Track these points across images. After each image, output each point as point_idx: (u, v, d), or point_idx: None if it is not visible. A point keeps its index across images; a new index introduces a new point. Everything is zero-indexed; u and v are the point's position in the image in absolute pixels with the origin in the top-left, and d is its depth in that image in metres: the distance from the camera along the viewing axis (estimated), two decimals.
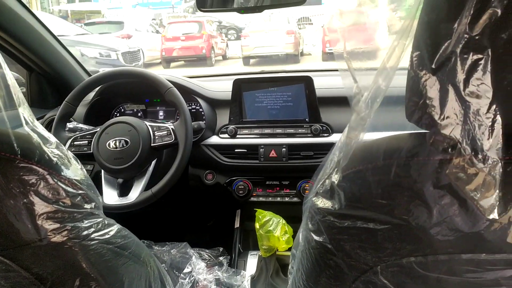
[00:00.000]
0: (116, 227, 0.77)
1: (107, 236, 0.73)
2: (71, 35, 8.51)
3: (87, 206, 0.70)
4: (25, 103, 0.68)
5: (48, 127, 1.72)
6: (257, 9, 1.34)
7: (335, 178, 0.59)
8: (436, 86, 0.48)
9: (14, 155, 0.63)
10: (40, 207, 0.63)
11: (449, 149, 0.48)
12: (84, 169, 0.75)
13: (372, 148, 0.56)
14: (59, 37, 1.74)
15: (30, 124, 0.67)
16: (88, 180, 0.74)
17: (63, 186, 0.66)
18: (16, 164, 0.63)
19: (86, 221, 0.69)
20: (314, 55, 13.98)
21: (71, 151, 1.46)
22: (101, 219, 0.73)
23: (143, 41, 12.39)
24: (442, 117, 0.48)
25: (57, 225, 0.65)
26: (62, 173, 0.67)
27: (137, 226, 1.82)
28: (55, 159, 0.67)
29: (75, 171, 0.71)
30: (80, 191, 0.69)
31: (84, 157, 1.51)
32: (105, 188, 1.47)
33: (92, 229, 0.70)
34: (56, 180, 0.65)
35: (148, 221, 1.87)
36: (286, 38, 12.33)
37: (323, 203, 0.61)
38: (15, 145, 0.63)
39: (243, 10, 1.36)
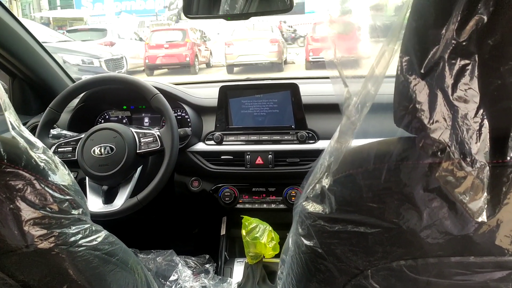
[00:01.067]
0: (103, 233, 0.76)
1: (94, 243, 0.72)
2: (53, 42, 8.40)
3: (74, 212, 0.69)
4: (11, 108, 0.67)
5: (31, 133, 1.69)
6: (244, 16, 1.34)
7: (326, 182, 0.59)
8: (425, 91, 0.49)
9: (1, 160, 0.62)
10: (27, 212, 0.62)
11: (438, 153, 0.49)
12: (71, 175, 0.74)
13: (362, 152, 0.57)
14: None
15: (16, 129, 0.66)
16: (75, 186, 0.73)
17: (50, 191, 0.66)
18: (2, 169, 0.62)
19: (73, 227, 0.68)
20: (297, 64, 14.10)
21: None
22: (88, 225, 0.72)
23: (126, 49, 12.34)
24: (431, 121, 0.49)
25: (44, 231, 0.64)
26: (49, 179, 0.66)
27: (121, 234, 1.80)
28: (42, 164, 0.66)
29: (62, 176, 0.70)
30: (68, 197, 0.68)
31: (68, 164, 1.49)
32: (90, 196, 1.45)
33: (80, 235, 0.69)
34: (43, 186, 0.65)
35: (133, 228, 1.85)
36: (270, 47, 12.40)
37: (313, 207, 0.61)
38: (1, 150, 0.62)
39: (230, 17, 1.37)
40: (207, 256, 1.57)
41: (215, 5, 1.36)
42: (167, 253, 1.52)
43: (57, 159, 0.72)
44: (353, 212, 0.56)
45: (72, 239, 0.67)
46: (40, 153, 0.68)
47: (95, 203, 1.43)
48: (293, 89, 1.58)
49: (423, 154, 0.50)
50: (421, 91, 0.49)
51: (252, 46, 12.37)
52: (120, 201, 1.41)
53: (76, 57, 8.46)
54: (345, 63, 0.59)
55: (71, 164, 1.48)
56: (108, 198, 1.45)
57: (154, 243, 1.70)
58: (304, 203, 0.64)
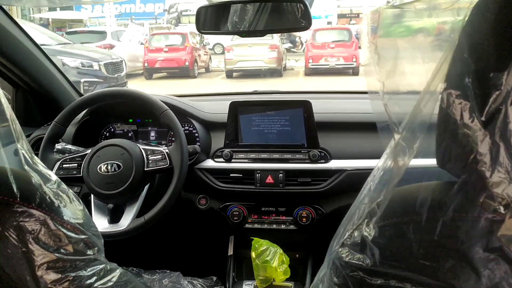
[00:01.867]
0: (118, 272, 0.71)
1: (109, 284, 0.67)
2: (53, 44, 8.34)
3: (89, 252, 0.65)
4: (23, 136, 0.62)
5: (34, 146, 1.65)
6: (259, 33, 1.31)
7: (367, 231, 0.55)
8: (486, 141, 0.45)
9: (13, 198, 0.57)
10: (40, 256, 0.58)
11: (501, 209, 0.45)
12: (86, 210, 0.69)
13: (413, 198, 0.52)
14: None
15: (29, 161, 0.62)
16: (90, 221, 0.68)
17: (65, 231, 0.61)
18: (15, 208, 0.57)
19: (88, 269, 0.64)
20: (296, 70, 14.11)
21: (59, 174, 1.41)
22: (103, 265, 0.67)
23: (125, 52, 12.31)
24: (493, 174, 0.45)
25: (59, 276, 0.59)
26: (64, 217, 0.62)
27: (125, 252, 1.75)
28: (56, 201, 0.62)
29: (77, 212, 0.65)
30: (83, 236, 0.64)
31: (72, 180, 1.45)
32: (95, 214, 1.40)
33: (95, 277, 0.65)
34: (57, 225, 0.60)
35: (137, 246, 1.80)
36: (269, 53, 12.41)
37: (351, 256, 0.57)
38: (14, 187, 0.58)
39: (244, 34, 1.33)
40: (215, 278, 1.52)
41: (222, 18, 1.32)
42: (173, 275, 1.47)
43: (71, 192, 0.67)
44: (400, 267, 0.51)
45: (88, 282, 0.63)
46: (55, 187, 0.63)
47: (100, 222, 1.38)
48: (305, 106, 1.53)
49: (483, 209, 0.46)
50: (482, 141, 0.45)
51: (252, 52, 12.37)
52: (127, 220, 1.36)
53: (75, 60, 8.40)
54: (390, 80, 0.53)
55: (76, 180, 1.43)
56: (114, 217, 1.40)
57: (158, 262, 1.65)
58: (340, 250, 0.59)
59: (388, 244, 0.52)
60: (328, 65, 12.40)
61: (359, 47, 13.37)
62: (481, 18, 0.46)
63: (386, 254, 0.52)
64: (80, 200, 0.68)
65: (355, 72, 12.40)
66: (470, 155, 0.46)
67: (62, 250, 0.60)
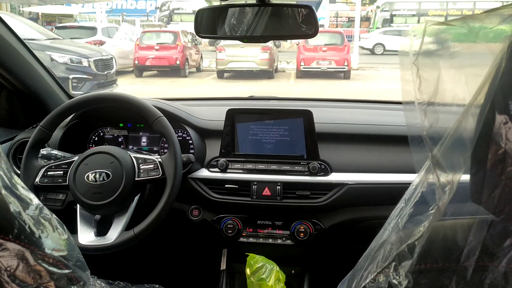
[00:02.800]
0: None
1: None
2: (41, 39, 8.16)
3: None
4: (1, 154, 0.55)
5: (18, 150, 1.56)
6: (262, 39, 1.24)
7: (396, 278, 0.47)
8: None
9: None
10: None
11: None
12: (71, 238, 0.61)
13: (457, 242, 0.44)
14: (28, 41, 1.59)
15: (7, 183, 0.54)
16: (74, 251, 0.60)
17: (46, 266, 0.53)
18: None
19: None
20: (288, 72, 14.08)
21: (44, 182, 1.32)
22: None
23: (115, 49, 12.16)
24: None
25: None
26: (46, 250, 0.54)
27: (111, 264, 1.67)
28: (38, 231, 0.54)
29: (60, 242, 0.57)
30: (66, 270, 0.56)
31: (57, 188, 1.36)
32: (80, 225, 1.32)
33: None
34: (38, 260, 0.52)
35: (124, 258, 1.72)
36: (261, 54, 12.35)
37: None
38: None
39: (246, 39, 1.26)
40: None
41: (219, 21, 1.25)
42: None
43: (54, 218, 0.59)
44: None
45: None
46: (36, 214, 0.55)
47: (86, 235, 1.30)
48: (306, 116, 1.47)
49: None
50: None
51: (244, 53, 12.30)
52: (114, 233, 1.28)
53: (64, 56, 8.22)
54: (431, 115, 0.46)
55: (61, 188, 1.35)
56: (101, 229, 1.32)
57: (147, 275, 1.57)
58: None
59: None
60: (319, 68, 12.41)
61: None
62: None
63: None
64: (65, 227, 0.60)
65: (346, 76, 12.43)
66: None
67: None
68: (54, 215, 0.59)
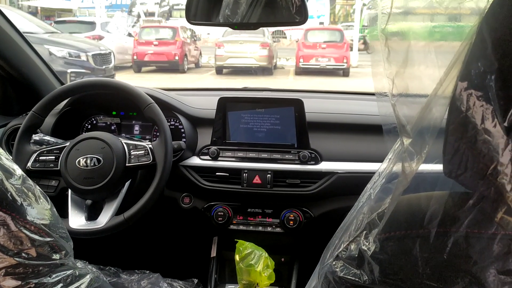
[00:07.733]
0: (88, 278, 0.65)
1: None
2: (40, 32, 8.16)
3: (55, 256, 0.58)
4: None
5: (11, 137, 1.57)
6: (252, 26, 1.24)
7: (366, 244, 0.49)
8: (509, 149, 0.39)
9: None
10: None
11: None
12: (54, 209, 0.62)
13: (421, 209, 0.46)
14: (26, 35, 1.60)
15: None
16: (58, 222, 0.61)
17: (28, 233, 0.54)
18: None
19: (53, 275, 0.57)
20: (287, 69, 14.08)
21: (36, 167, 1.33)
22: (71, 270, 0.61)
23: (114, 44, 12.15)
24: None
25: (18, 283, 0.53)
26: (28, 217, 0.55)
27: (102, 250, 1.68)
28: (20, 199, 0.55)
29: (43, 212, 0.59)
30: (48, 239, 0.57)
31: (49, 173, 1.38)
32: (71, 210, 1.33)
33: (61, 284, 0.58)
34: (19, 226, 0.53)
35: (115, 245, 1.73)
36: (261, 51, 12.35)
37: (346, 271, 0.51)
38: None
39: (237, 26, 1.27)
40: (196, 281, 1.46)
41: (214, 10, 1.25)
42: (153, 276, 1.40)
43: (38, 190, 0.60)
44: (402, 286, 0.46)
45: None
46: (19, 183, 0.56)
47: (77, 219, 1.31)
48: (297, 105, 1.48)
49: (501, 227, 0.41)
50: (504, 149, 0.39)
51: (243, 49, 12.29)
52: (105, 218, 1.30)
53: (62, 50, 8.22)
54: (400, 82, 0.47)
55: (53, 173, 1.36)
56: (92, 214, 1.33)
57: (137, 262, 1.58)
58: (333, 263, 0.53)
59: (390, 261, 0.46)
60: (319, 65, 12.39)
61: (351, 48, 13.39)
62: (506, 10, 0.41)
63: (387, 271, 0.46)
64: (48, 198, 0.61)
65: (345, 73, 12.40)
66: (490, 165, 0.40)
67: (23, 254, 0.54)
68: (38, 187, 0.61)
